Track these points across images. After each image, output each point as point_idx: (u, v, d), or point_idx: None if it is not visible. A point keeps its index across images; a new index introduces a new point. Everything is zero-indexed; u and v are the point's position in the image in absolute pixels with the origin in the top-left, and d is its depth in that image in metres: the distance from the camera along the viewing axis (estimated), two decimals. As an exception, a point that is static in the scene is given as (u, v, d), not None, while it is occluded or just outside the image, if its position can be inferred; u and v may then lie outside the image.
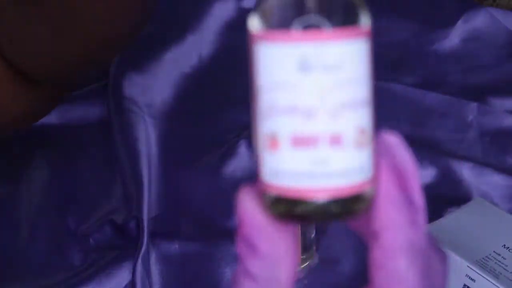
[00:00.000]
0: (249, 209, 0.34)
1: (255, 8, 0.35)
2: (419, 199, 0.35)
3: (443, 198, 0.79)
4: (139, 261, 0.74)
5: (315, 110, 0.33)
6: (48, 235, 0.78)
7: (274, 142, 0.34)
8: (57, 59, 0.65)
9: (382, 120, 0.90)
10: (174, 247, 0.76)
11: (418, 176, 0.35)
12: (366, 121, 0.34)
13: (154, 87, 0.87)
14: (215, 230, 0.78)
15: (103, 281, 0.74)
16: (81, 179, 0.83)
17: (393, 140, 0.36)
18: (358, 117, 0.34)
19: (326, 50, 0.33)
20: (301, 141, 0.34)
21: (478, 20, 0.96)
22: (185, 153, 0.84)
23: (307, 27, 0.33)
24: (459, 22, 0.96)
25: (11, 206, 0.81)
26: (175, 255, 0.76)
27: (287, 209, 0.34)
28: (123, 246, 0.76)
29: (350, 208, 0.34)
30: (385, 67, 0.92)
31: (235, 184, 0.44)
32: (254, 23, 0.35)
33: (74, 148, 0.85)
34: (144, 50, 0.90)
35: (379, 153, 0.35)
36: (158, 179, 0.81)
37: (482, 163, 0.83)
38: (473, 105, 0.89)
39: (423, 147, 0.84)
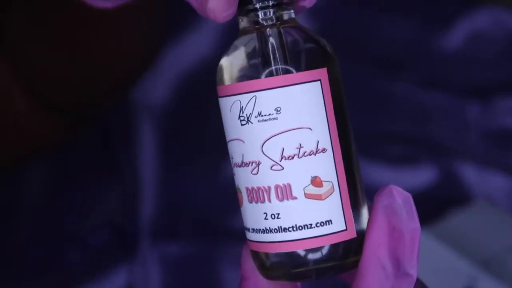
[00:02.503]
0: (249, 266, 0.34)
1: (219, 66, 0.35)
2: (413, 271, 0.32)
3: (444, 198, 0.79)
4: (138, 262, 0.74)
5: (259, 162, 0.32)
6: (47, 236, 0.78)
7: (240, 197, 0.34)
8: (74, 88, 0.65)
9: (383, 120, 0.90)
10: (173, 247, 0.76)
11: (418, 244, 0.32)
12: (321, 169, 0.33)
13: (154, 87, 0.87)
14: (214, 231, 0.77)
15: (102, 282, 0.73)
16: (80, 179, 0.83)
17: (403, 198, 0.32)
18: (310, 167, 0.32)
19: (259, 100, 0.32)
20: (254, 195, 0.33)
21: (480, 20, 0.96)
22: (185, 153, 0.84)
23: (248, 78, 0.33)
24: (461, 22, 0.95)
25: (11, 206, 0.80)
26: (174, 256, 0.75)
27: (264, 266, 0.33)
28: (122, 246, 0.76)
29: (323, 263, 0.33)
30: (385, 67, 0.92)
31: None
32: (219, 80, 0.34)
33: (73, 148, 0.84)
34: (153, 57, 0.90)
35: (379, 207, 0.33)
36: (158, 179, 0.81)
37: (484, 163, 0.83)
38: (475, 105, 0.88)
39: (425, 147, 0.84)
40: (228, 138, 0.34)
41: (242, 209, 0.34)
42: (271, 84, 0.32)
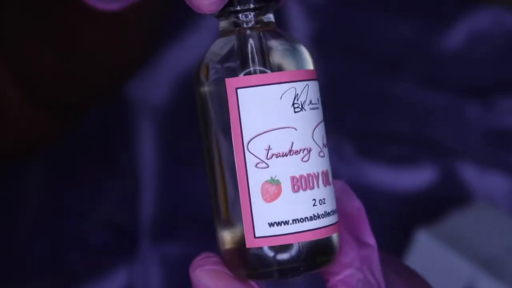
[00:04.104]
0: (210, 284, 0.34)
1: (228, 55, 0.35)
2: (371, 240, 0.36)
3: (444, 198, 0.79)
4: (138, 262, 0.73)
5: (310, 148, 0.34)
6: (47, 236, 0.78)
7: (273, 190, 0.34)
8: (67, 84, 0.65)
9: (383, 120, 0.90)
10: (173, 247, 0.76)
11: (366, 218, 0.36)
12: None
13: (154, 87, 0.87)
14: (214, 231, 0.77)
15: (102, 282, 0.73)
16: (80, 179, 0.82)
17: (339, 187, 0.36)
18: (328, 155, 0.35)
19: (311, 88, 0.34)
20: (303, 183, 0.34)
21: (480, 20, 0.95)
22: (185, 153, 0.83)
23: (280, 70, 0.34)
24: (461, 22, 0.95)
25: (11, 206, 0.80)
26: (174, 256, 0.75)
27: (278, 259, 0.34)
28: (122, 246, 0.76)
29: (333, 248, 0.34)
30: (385, 67, 0.92)
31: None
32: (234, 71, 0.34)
33: (73, 148, 0.84)
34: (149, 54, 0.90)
35: None
36: (158, 179, 0.80)
37: (484, 163, 0.83)
38: (475, 105, 0.88)
39: (425, 147, 0.84)
40: (265, 128, 0.33)
41: (276, 202, 0.34)
42: (315, 76, 0.34)
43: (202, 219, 0.78)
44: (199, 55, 1.01)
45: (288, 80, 0.33)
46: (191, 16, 0.93)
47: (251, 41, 0.34)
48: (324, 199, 0.34)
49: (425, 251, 0.67)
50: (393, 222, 0.78)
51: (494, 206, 0.76)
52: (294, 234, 0.33)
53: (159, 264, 0.75)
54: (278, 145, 0.33)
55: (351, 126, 0.85)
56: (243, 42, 0.34)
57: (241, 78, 0.34)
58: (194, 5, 0.33)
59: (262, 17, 0.35)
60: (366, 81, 0.90)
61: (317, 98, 0.34)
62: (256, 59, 0.34)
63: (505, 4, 0.98)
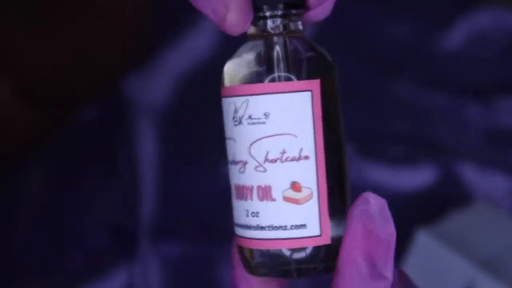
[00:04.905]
0: (237, 257, 0.36)
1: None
2: (389, 273, 0.33)
3: (444, 198, 0.79)
4: (138, 262, 0.73)
5: (246, 162, 0.34)
6: (47, 236, 0.78)
7: (232, 193, 0.36)
8: (64, 83, 0.65)
9: (383, 120, 0.90)
10: (174, 247, 0.76)
11: (393, 247, 0.33)
12: (302, 175, 0.34)
13: (154, 87, 0.87)
14: (214, 231, 0.77)
15: (102, 282, 0.73)
16: (80, 179, 0.82)
17: (379, 204, 0.33)
18: (291, 172, 0.34)
19: (251, 104, 0.34)
20: (239, 193, 0.35)
21: (480, 20, 0.96)
22: (185, 153, 0.83)
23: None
24: (461, 22, 0.95)
25: (11, 207, 0.80)
26: (174, 256, 0.75)
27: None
28: (122, 246, 0.76)
29: (282, 265, 0.34)
30: (385, 67, 0.92)
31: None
32: (222, 82, 0.36)
33: (73, 148, 0.84)
34: (144, 50, 0.90)
35: (355, 213, 0.33)
36: (158, 179, 0.80)
37: (484, 163, 0.83)
38: (475, 105, 0.88)
39: (425, 147, 0.84)
40: (225, 136, 0.36)
41: (232, 204, 0.36)
42: (262, 90, 0.34)
43: (202, 219, 0.78)
44: (199, 55, 1.01)
45: (228, 95, 0.35)
46: (191, 16, 0.93)
47: (277, 47, 0.34)
48: (257, 212, 0.34)
49: (425, 251, 0.67)
50: (393, 222, 0.78)
51: (494, 206, 0.76)
52: (239, 237, 0.35)
53: (159, 264, 0.75)
54: (229, 154, 0.35)
55: (351, 126, 0.85)
56: (269, 48, 0.34)
57: (221, 89, 0.35)
58: (227, 28, 0.34)
59: (290, 24, 0.35)
60: (366, 81, 0.90)
61: (265, 113, 0.34)
62: (282, 65, 0.34)
63: (505, 4, 0.98)
